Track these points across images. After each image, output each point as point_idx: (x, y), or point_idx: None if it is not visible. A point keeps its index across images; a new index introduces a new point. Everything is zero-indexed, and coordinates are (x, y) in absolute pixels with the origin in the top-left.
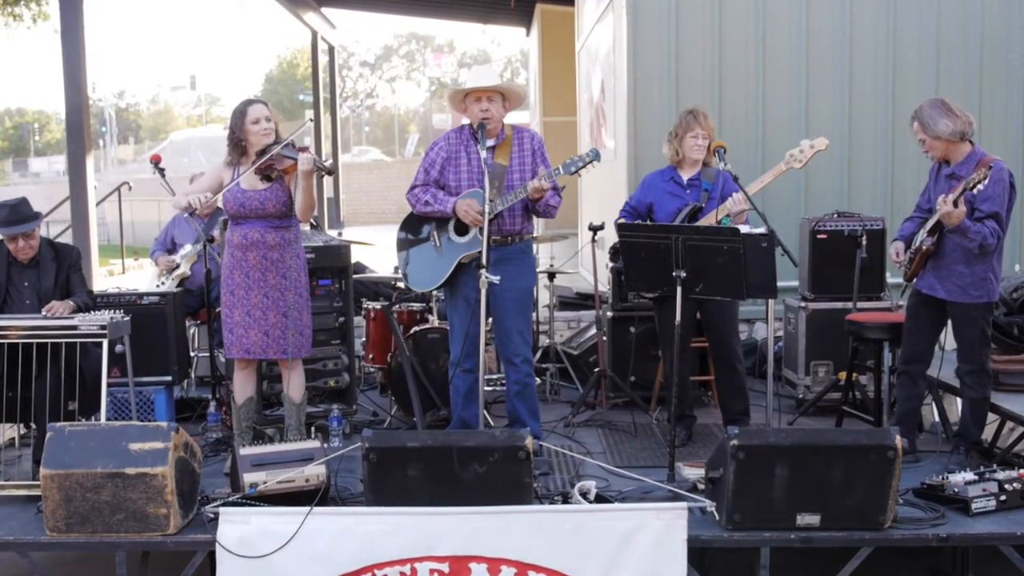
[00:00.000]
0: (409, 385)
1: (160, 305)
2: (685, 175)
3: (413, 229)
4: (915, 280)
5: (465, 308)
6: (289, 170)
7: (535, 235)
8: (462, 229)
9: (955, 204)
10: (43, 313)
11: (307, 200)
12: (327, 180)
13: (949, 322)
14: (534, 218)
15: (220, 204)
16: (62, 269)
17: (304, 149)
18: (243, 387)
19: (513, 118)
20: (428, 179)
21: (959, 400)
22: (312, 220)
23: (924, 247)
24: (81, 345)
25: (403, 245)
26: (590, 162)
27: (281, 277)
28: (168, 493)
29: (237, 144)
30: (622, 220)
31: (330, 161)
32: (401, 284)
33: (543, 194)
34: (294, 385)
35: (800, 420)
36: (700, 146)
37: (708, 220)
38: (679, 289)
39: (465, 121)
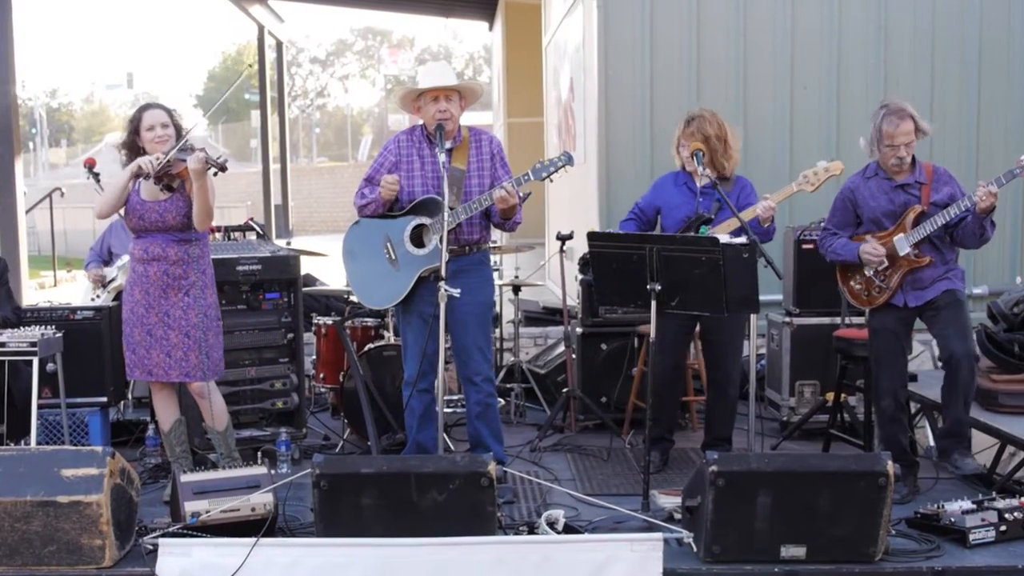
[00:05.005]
0: (363, 406)
1: (95, 320)
2: (700, 181)
3: (362, 240)
4: (892, 297)
5: (420, 324)
6: (184, 173)
7: (498, 244)
8: (419, 240)
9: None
10: None
11: (203, 204)
12: (275, 186)
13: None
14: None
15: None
16: None
17: (200, 150)
18: (165, 411)
19: (476, 119)
20: (373, 184)
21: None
22: (258, 229)
23: (916, 260)
24: (9, 364)
25: (352, 258)
26: (562, 166)
27: (184, 294)
28: (103, 523)
29: (135, 150)
30: (628, 221)
31: (223, 158)
32: (355, 298)
33: (509, 204)
34: (212, 413)
35: (784, 444)
36: (682, 155)
37: (719, 232)
38: (653, 303)
39: (417, 121)
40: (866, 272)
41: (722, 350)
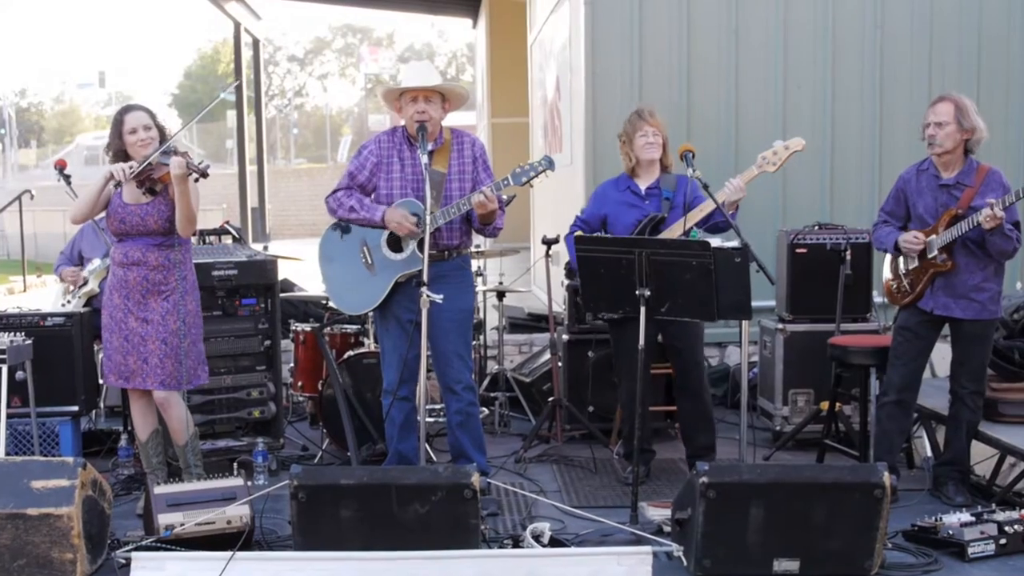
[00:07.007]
0: (342, 416)
1: (65, 327)
2: (642, 183)
3: (338, 243)
4: (918, 301)
5: (399, 331)
6: (166, 178)
7: (482, 249)
8: (396, 245)
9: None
10: None
11: (185, 210)
12: (251, 188)
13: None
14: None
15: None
16: None
17: (182, 154)
18: (143, 420)
19: (459, 120)
20: (353, 183)
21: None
22: (234, 232)
23: (940, 264)
24: None
25: (328, 262)
26: (543, 171)
27: (163, 300)
28: (75, 536)
29: (119, 153)
30: (578, 233)
31: (205, 163)
32: (334, 303)
33: (488, 209)
34: (171, 427)
35: (777, 455)
36: (652, 143)
37: (673, 232)
38: (643, 309)
39: (399, 122)
40: (900, 269)
41: (690, 356)
